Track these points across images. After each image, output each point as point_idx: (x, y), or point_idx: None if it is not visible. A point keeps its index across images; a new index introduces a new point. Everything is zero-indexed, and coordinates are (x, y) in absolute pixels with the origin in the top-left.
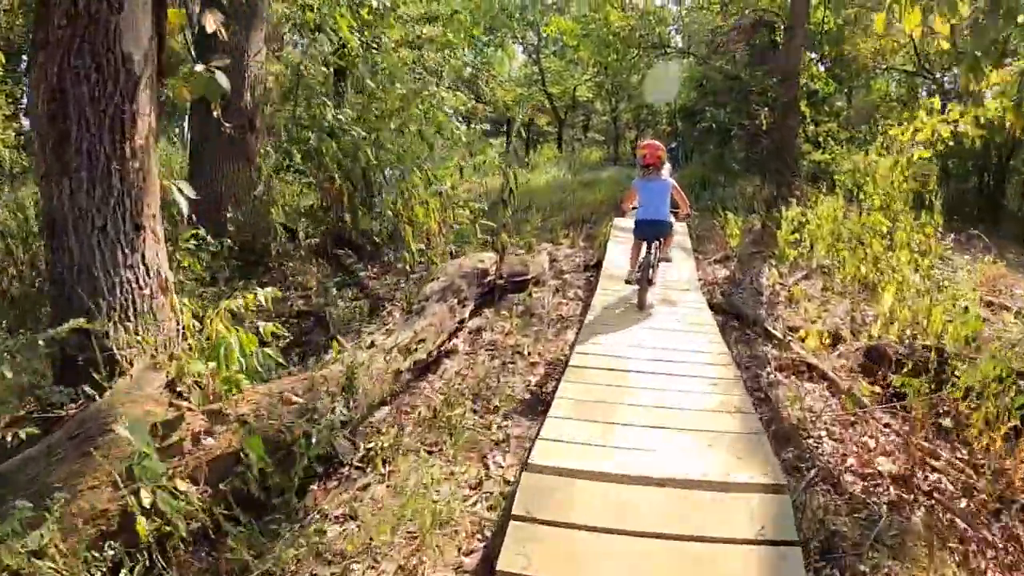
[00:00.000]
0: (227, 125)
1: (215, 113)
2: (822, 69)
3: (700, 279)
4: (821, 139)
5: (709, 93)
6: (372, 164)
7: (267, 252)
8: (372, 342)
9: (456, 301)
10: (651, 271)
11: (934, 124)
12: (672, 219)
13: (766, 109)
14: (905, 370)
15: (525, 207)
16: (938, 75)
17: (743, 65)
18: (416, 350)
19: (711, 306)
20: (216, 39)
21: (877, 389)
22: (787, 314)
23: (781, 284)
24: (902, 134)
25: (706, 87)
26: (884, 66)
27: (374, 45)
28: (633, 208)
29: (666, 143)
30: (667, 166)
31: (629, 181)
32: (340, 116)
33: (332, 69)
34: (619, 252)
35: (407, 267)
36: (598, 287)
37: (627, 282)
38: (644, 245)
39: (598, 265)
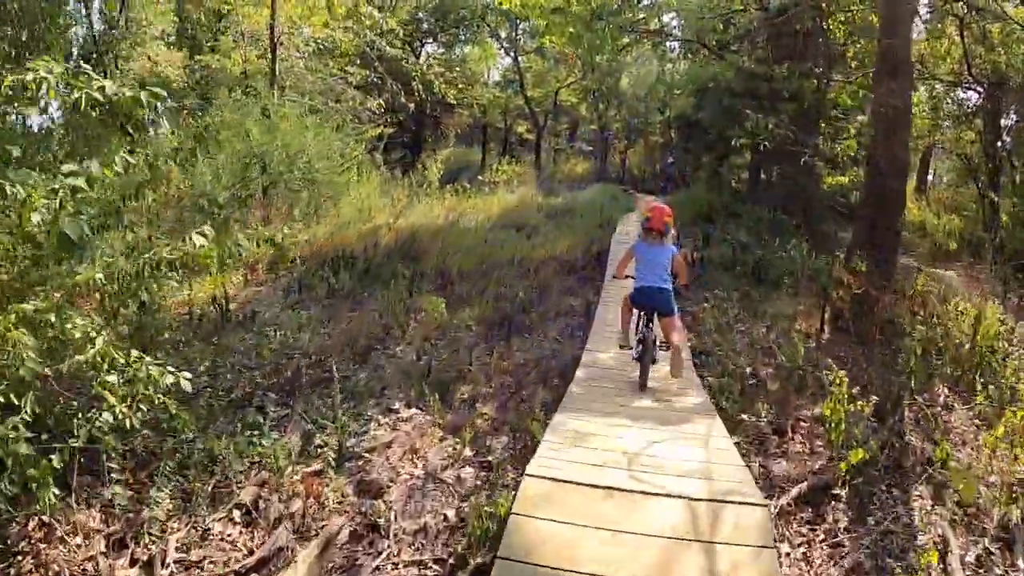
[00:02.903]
0: None
1: None
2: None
3: None
4: (839, 159)
5: (723, 95)
6: None
7: None
8: None
9: None
10: (653, 347)
11: None
12: (671, 290)
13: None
14: None
15: (418, 276)
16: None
17: (772, 61)
18: None
19: None
20: None
21: None
22: None
23: None
24: None
25: (717, 88)
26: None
27: None
28: (627, 277)
29: (660, 157)
30: (671, 232)
31: (617, 205)
32: None
33: None
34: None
35: None
36: None
37: (621, 346)
38: (643, 317)
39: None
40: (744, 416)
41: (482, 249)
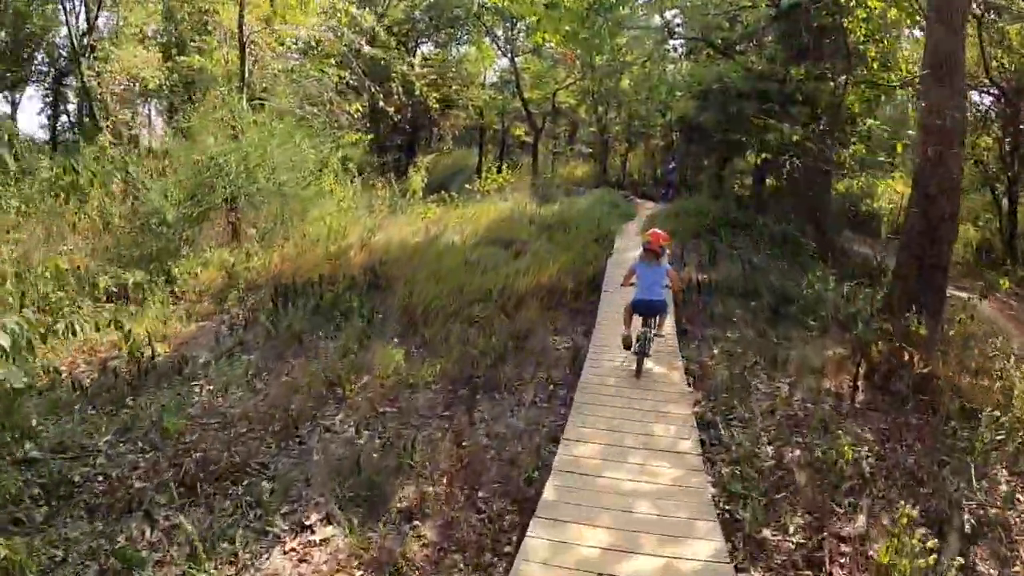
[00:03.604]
0: None
1: None
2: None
3: None
4: (847, 165)
5: (729, 97)
6: None
7: None
8: None
9: None
10: (648, 344)
11: None
12: (665, 299)
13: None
14: None
15: (380, 311)
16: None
17: (782, 62)
18: None
19: None
20: None
21: None
22: None
23: None
24: None
25: (722, 90)
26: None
27: None
28: (631, 284)
29: (661, 160)
30: (667, 253)
31: (616, 213)
32: None
33: None
34: None
35: None
36: None
37: (625, 347)
38: (640, 320)
39: None
40: (767, 532)
41: (460, 275)
